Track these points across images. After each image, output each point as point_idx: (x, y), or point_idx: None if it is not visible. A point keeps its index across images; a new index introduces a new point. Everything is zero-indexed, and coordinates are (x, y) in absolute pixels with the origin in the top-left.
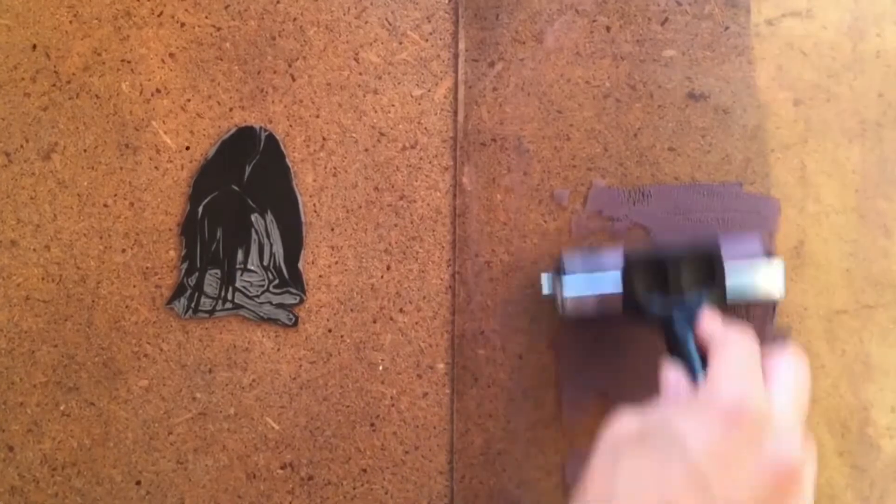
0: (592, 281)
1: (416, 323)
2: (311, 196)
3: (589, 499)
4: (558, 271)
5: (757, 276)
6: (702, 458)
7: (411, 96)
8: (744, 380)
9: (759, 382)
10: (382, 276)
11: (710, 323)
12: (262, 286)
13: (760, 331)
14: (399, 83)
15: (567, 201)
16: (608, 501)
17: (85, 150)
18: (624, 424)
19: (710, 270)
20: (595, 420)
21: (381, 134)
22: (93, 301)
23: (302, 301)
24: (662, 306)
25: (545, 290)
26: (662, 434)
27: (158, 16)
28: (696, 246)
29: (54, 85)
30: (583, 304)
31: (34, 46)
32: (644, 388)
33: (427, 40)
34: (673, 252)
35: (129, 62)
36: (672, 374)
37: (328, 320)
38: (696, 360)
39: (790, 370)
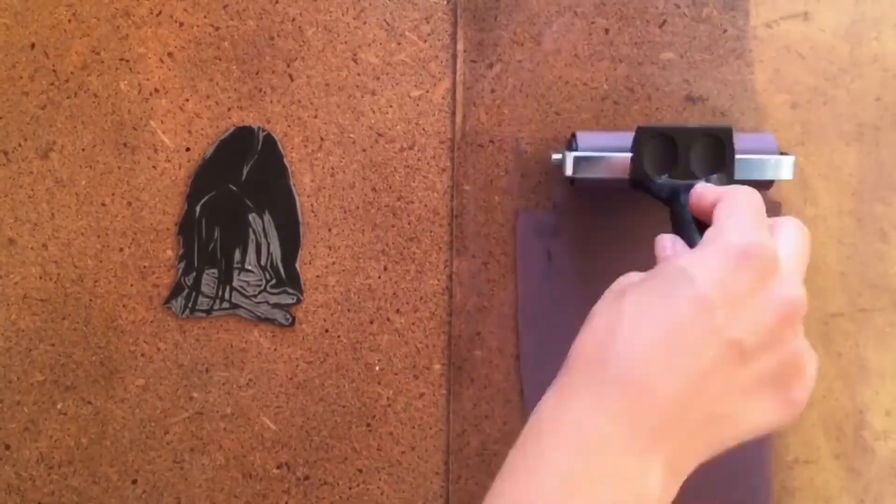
0: (603, 144)
1: (413, 324)
2: (308, 196)
3: (590, 334)
4: (569, 148)
5: (767, 164)
6: (709, 291)
7: (409, 97)
8: (751, 224)
9: (765, 228)
10: (379, 277)
11: (708, 186)
12: (260, 286)
13: None
14: (397, 84)
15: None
16: (612, 332)
17: (83, 149)
18: (629, 276)
19: (720, 156)
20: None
21: (379, 134)
22: (90, 300)
23: (299, 301)
24: (669, 184)
25: (554, 156)
26: (669, 271)
27: (157, 15)
28: (708, 129)
29: (52, 84)
30: (591, 166)
31: (32, 45)
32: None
33: (425, 41)
34: (685, 132)
35: (127, 61)
36: (667, 239)
37: (325, 320)
38: (695, 233)
39: (793, 226)
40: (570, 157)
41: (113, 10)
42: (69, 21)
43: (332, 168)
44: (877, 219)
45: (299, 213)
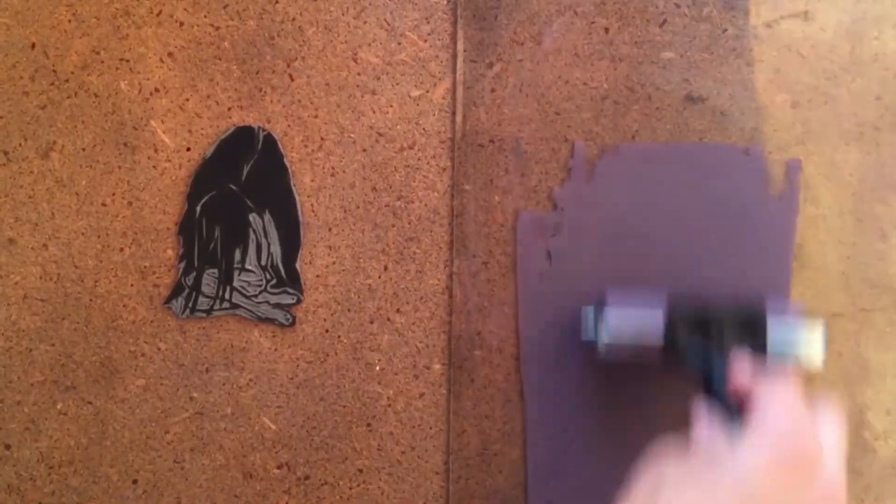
0: (634, 329)
1: (413, 323)
2: (308, 196)
3: None
4: (600, 311)
5: (799, 338)
6: (754, 487)
7: (409, 97)
8: (795, 413)
9: (808, 418)
10: (380, 277)
11: (747, 368)
12: (260, 286)
13: None
14: (397, 84)
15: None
16: None
17: (83, 149)
18: (669, 451)
19: (752, 330)
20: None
21: (380, 134)
22: (90, 300)
23: (299, 301)
24: (703, 358)
25: (584, 337)
26: (712, 458)
27: (157, 15)
28: (740, 303)
29: (53, 84)
30: (622, 350)
31: (33, 45)
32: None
33: (426, 41)
34: (717, 307)
35: (127, 61)
36: (705, 413)
37: (325, 320)
38: (731, 406)
39: (834, 415)
40: (603, 345)
41: (113, 10)
42: (69, 21)
43: (333, 168)
44: (877, 219)
45: (299, 213)
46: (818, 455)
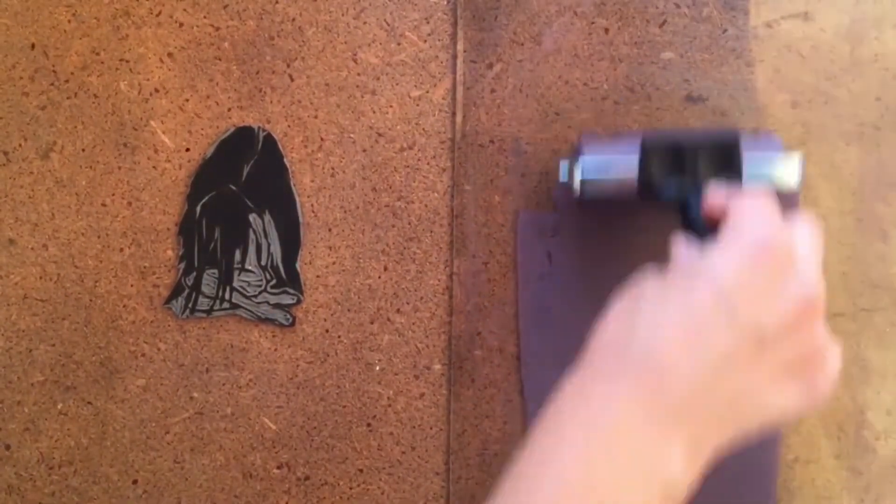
0: (609, 164)
1: (414, 324)
2: (308, 196)
3: (611, 322)
4: (575, 155)
5: (774, 166)
6: (728, 283)
7: (409, 97)
8: (767, 220)
9: (780, 224)
10: (380, 277)
11: (721, 193)
12: (260, 286)
13: None
14: (397, 84)
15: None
16: (632, 321)
17: (83, 150)
18: (646, 272)
19: (727, 160)
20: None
21: (379, 135)
22: (90, 300)
23: (299, 301)
24: (678, 189)
25: (561, 178)
26: (688, 267)
27: (157, 15)
28: (715, 135)
29: (53, 84)
30: (598, 187)
31: (33, 45)
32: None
33: (425, 41)
34: (692, 138)
35: (127, 62)
36: (683, 240)
37: (325, 321)
38: (707, 233)
39: (808, 223)
40: (577, 182)
41: (113, 11)
42: (69, 21)
43: (333, 168)
44: (878, 219)
45: (299, 213)
46: (792, 253)
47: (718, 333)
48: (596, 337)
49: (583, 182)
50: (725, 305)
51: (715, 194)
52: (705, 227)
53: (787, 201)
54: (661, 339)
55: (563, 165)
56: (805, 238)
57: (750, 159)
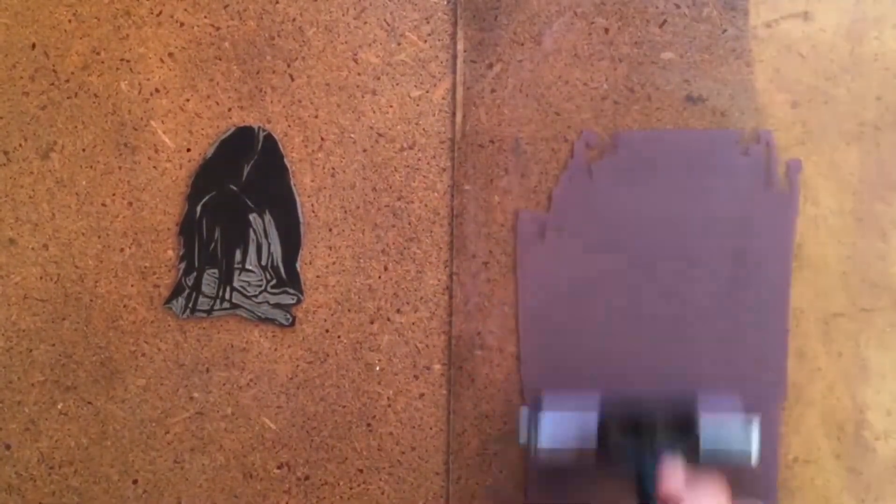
0: (567, 433)
1: (414, 324)
2: (309, 196)
3: None
4: (534, 417)
5: (732, 435)
6: None
7: (410, 97)
8: None
9: None
10: (380, 277)
11: (677, 474)
12: (260, 286)
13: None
14: (397, 84)
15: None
16: None
17: (83, 150)
18: None
19: (685, 429)
20: None
21: (380, 135)
22: (91, 300)
23: (299, 301)
24: (635, 459)
25: (521, 440)
26: None
27: (157, 15)
28: (672, 401)
29: (53, 84)
30: (557, 455)
31: (33, 45)
32: None
33: (426, 41)
34: (650, 407)
35: (128, 61)
36: None
37: (325, 321)
38: None
39: None
40: (536, 449)
41: (113, 11)
42: (69, 21)
43: (333, 168)
44: (877, 218)
45: (300, 213)
46: None
47: None
48: None
49: (542, 450)
50: None
51: (671, 477)
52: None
53: (784, 202)
54: None
55: (523, 423)
56: None
57: (707, 430)
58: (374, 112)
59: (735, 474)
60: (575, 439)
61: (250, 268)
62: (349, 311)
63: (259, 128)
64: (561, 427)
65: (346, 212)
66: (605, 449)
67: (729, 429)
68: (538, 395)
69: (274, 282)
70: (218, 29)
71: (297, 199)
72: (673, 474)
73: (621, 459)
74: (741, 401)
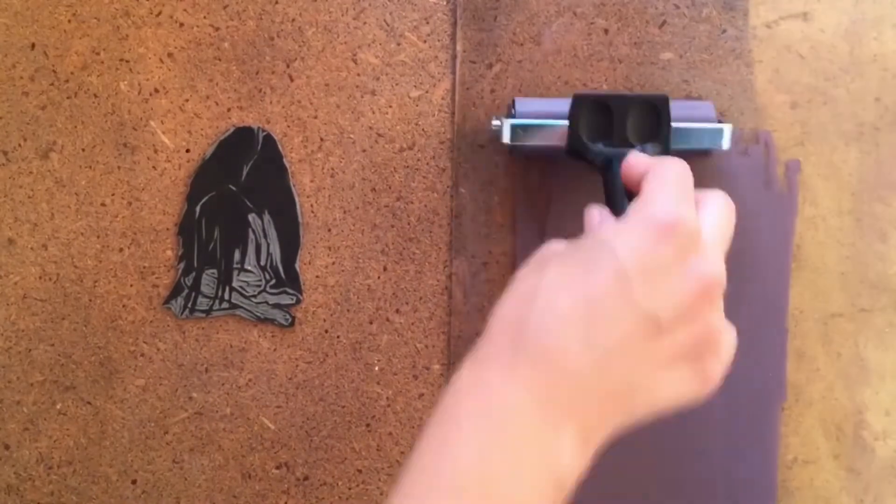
0: (540, 114)
1: (413, 324)
2: (308, 196)
3: (510, 302)
4: (510, 109)
5: (704, 132)
6: (628, 264)
7: (409, 97)
8: (675, 197)
9: (690, 202)
10: (379, 277)
11: (641, 160)
12: (259, 286)
13: None
14: (397, 84)
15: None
16: (530, 301)
17: (83, 150)
18: (553, 244)
19: (657, 123)
20: None
21: (379, 135)
22: (90, 300)
23: (298, 301)
24: (605, 151)
25: (493, 125)
26: (591, 242)
27: (157, 15)
28: (645, 97)
29: (52, 84)
30: (528, 133)
31: (32, 45)
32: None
33: (425, 41)
34: (621, 99)
35: (127, 62)
36: (595, 210)
37: (325, 321)
38: (625, 204)
39: (720, 201)
40: (508, 124)
41: (113, 11)
42: (69, 21)
43: (332, 168)
44: (877, 219)
45: (299, 214)
46: (696, 232)
47: (615, 318)
48: (495, 316)
49: (513, 127)
50: (624, 288)
51: (634, 162)
52: (624, 197)
53: (783, 203)
54: (555, 323)
55: (497, 119)
56: (714, 216)
57: (678, 122)
58: (373, 112)
59: (735, 470)
60: (548, 116)
61: (249, 268)
62: (348, 311)
63: (258, 128)
64: (534, 107)
65: (345, 212)
66: (575, 136)
67: (700, 130)
68: (512, 99)
69: (273, 282)
70: (217, 29)
71: (297, 199)
72: (637, 159)
73: (590, 150)
74: (714, 107)
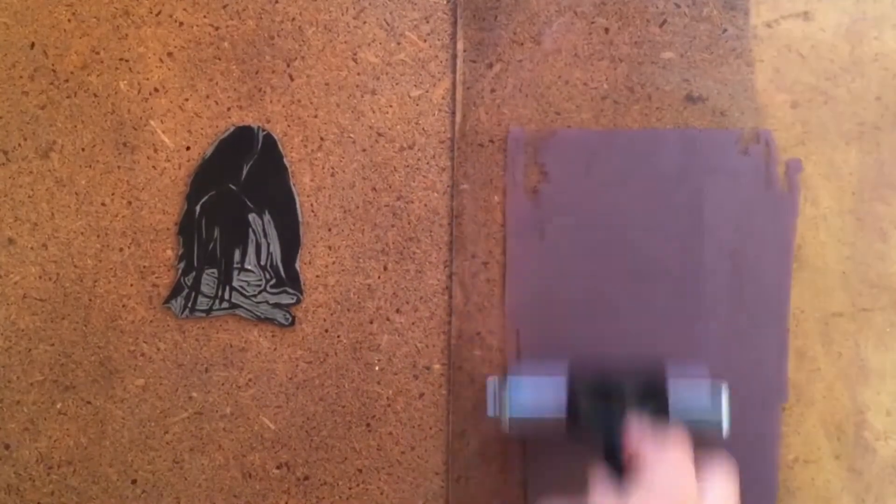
0: (536, 402)
1: (413, 324)
2: (308, 196)
3: None
4: (502, 387)
5: (702, 400)
6: None
7: (409, 97)
8: (676, 473)
9: (691, 477)
10: (379, 277)
11: (642, 433)
12: (259, 286)
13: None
14: (397, 84)
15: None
16: None
17: (83, 149)
18: None
19: (654, 393)
20: None
21: (379, 134)
22: (90, 300)
23: (299, 301)
24: (605, 427)
25: (490, 412)
26: None
27: (157, 15)
28: (641, 368)
29: (52, 83)
30: (525, 425)
31: (32, 45)
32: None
33: (425, 41)
34: (618, 373)
35: (127, 61)
36: (601, 478)
37: (325, 320)
38: (625, 473)
39: (721, 471)
40: (506, 419)
41: (113, 10)
42: (69, 21)
43: (332, 168)
44: (877, 218)
45: (299, 213)
46: None
47: None
48: None
49: (511, 419)
50: None
51: (634, 432)
52: (624, 462)
53: (784, 202)
54: None
55: (491, 395)
56: (716, 489)
57: (676, 392)
58: (373, 112)
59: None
60: (544, 406)
61: (249, 267)
62: (349, 310)
63: (258, 127)
64: (530, 394)
65: (345, 211)
66: (574, 414)
67: (698, 394)
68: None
69: (273, 281)
70: (217, 29)
71: (297, 198)
72: (638, 430)
73: (590, 424)
74: (709, 371)
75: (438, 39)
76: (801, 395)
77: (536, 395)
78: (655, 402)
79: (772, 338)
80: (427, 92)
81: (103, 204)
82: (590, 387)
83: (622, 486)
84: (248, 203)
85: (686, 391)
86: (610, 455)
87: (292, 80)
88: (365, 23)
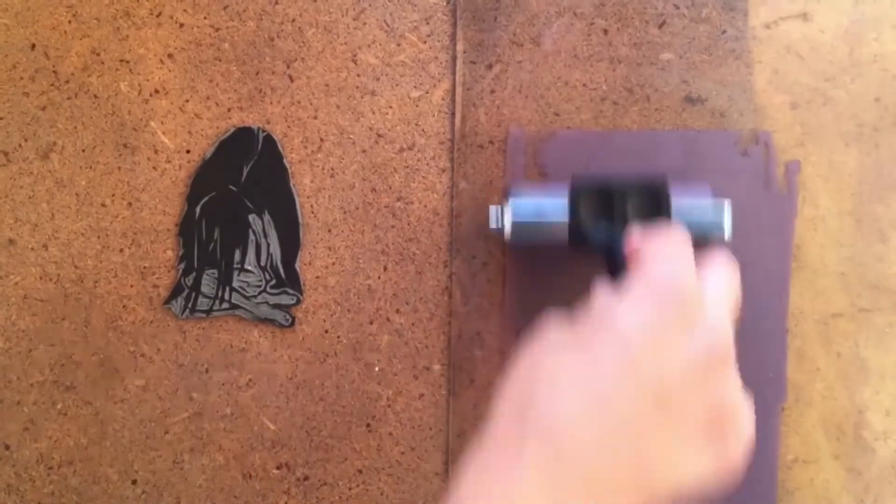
0: (538, 208)
1: (413, 324)
2: (308, 197)
3: (514, 383)
4: (505, 199)
5: (703, 213)
6: (629, 333)
7: (409, 98)
8: (676, 262)
9: (691, 267)
10: (379, 278)
11: (642, 234)
12: (259, 286)
13: None
14: (397, 85)
15: None
16: (532, 386)
17: (83, 150)
18: (551, 318)
19: (656, 204)
20: None
21: (379, 135)
22: (90, 300)
23: (299, 302)
24: (606, 234)
25: (492, 224)
26: (591, 317)
27: (157, 16)
28: (644, 179)
29: (53, 84)
30: (527, 231)
31: (33, 46)
32: None
33: (425, 42)
34: (620, 183)
35: (127, 62)
36: (602, 287)
37: (325, 321)
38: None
39: (721, 264)
40: (508, 224)
41: (113, 11)
42: (69, 22)
43: (332, 169)
44: (876, 220)
45: (299, 214)
46: (699, 299)
47: (621, 394)
48: (499, 398)
49: (514, 224)
50: (628, 361)
51: (635, 236)
52: (626, 272)
53: (783, 204)
54: (560, 404)
55: (493, 210)
56: (716, 281)
57: (678, 203)
58: (373, 113)
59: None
60: (546, 211)
61: (249, 268)
62: (348, 311)
63: (258, 128)
64: (532, 202)
65: (345, 212)
66: (576, 220)
67: (700, 203)
68: (506, 188)
69: (273, 282)
70: (217, 30)
71: (297, 199)
72: (639, 232)
73: (592, 234)
74: (711, 188)
75: (438, 41)
76: (801, 396)
77: (539, 202)
78: (658, 210)
79: (771, 338)
80: (427, 93)
81: (104, 205)
82: (592, 195)
83: (622, 284)
84: (248, 204)
85: (689, 200)
86: (611, 262)
87: (292, 81)
88: (365, 24)
